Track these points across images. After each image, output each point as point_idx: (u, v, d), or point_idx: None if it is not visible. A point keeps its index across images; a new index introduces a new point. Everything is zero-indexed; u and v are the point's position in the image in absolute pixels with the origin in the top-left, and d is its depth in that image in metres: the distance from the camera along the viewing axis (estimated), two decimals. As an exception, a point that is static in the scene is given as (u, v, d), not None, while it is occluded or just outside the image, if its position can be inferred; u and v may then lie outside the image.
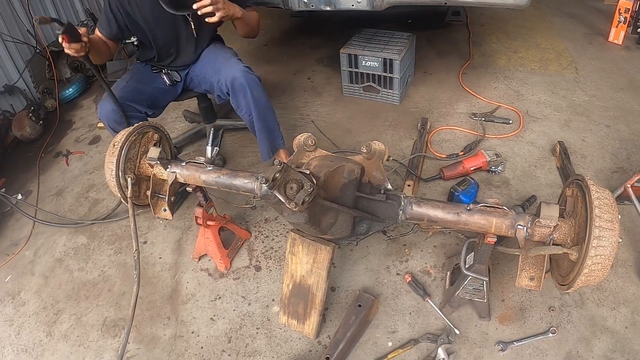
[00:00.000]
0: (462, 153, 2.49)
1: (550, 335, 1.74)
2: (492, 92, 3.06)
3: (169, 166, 1.88)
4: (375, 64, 2.84)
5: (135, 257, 1.73)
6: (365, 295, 1.82)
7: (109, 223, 2.53)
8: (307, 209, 1.30)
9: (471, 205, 1.49)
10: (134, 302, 1.69)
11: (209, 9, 2.00)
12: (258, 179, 1.64)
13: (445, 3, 2.25)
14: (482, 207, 1.48)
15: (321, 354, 1.75)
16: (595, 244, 1.31)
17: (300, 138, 1.71)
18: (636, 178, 2.08)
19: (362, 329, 1.78)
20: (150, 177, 1.93)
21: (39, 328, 2.12)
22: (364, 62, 2.87)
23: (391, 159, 1.76)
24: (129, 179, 1.84)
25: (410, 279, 1.92)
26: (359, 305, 1.78)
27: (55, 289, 2.28)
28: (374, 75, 2.91)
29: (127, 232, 2.46)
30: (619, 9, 3.40)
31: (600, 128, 2.69)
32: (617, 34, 3.48)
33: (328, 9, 2.48)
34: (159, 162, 1.86)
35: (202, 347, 1.89)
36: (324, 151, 1.73)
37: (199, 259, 2.21)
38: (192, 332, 1.94)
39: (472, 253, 1.68)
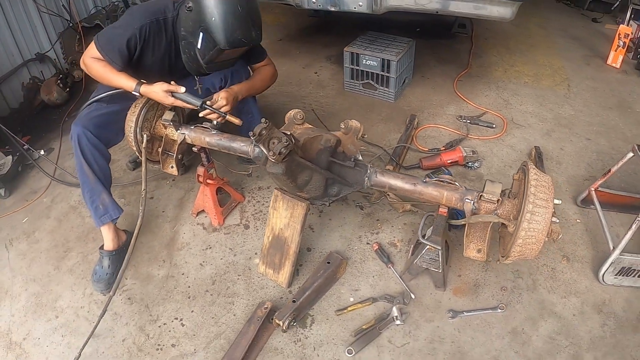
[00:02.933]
0: (443, 148, 2.73)
1: (499, 310, 1.93)
2: (482, 99, 3.30)
3: (179, 128, 2.16)
4: (375, 63, 3.10)
5: (143, 196, 2.01)
6: (335, 255, 2.08)
7: (120, 181, 2.82)
8: (284, 162, 1.57)
9: (427, 179, 1.74)
10: (135, 234, 1.97)
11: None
12: (252, 142, 1.92)
13: (437, 12, 2.50)
14: (436, 181, 1.73)
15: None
16: (529, 218, 1.52)
17: (291, 113, 1.98)
18: (599, 182, 2.25)
19: (329, 283, 2.03)
20: (162, 137, 2.21)
21: (49, 262, 2.41)
22: (364, 60, 3.13)
23: (365, 136, 2.03)
24: (144, 135, 2.13)
25: (377, 247, 2.17)
26: (328, 262, 2.04)
27: (67, 230, 2.57)
28: (373, 73, 3.17)
29: (136, 190, 2.75)
30: (619, 34, 3.60)
31: (580, 140, 2.89)
32: (616, 58, 3.67)
33: (333, 9, 2.76)
34: (171, 123, 2.14)
35: (189, 287, 2.16)
36: (310, 125, 2.00)
37: (197, 215, 2.49)
38: (183, 274, 2.22)
39: (431, 227, 1.91)
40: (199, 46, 1.93)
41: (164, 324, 2.04)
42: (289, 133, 1.58)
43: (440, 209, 1.75)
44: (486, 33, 4.28)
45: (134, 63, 2.08)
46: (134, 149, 2.19)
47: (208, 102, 2.00)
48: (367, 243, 2.25)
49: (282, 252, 2.00)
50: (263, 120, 1.54)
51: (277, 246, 2.01)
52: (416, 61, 3.44)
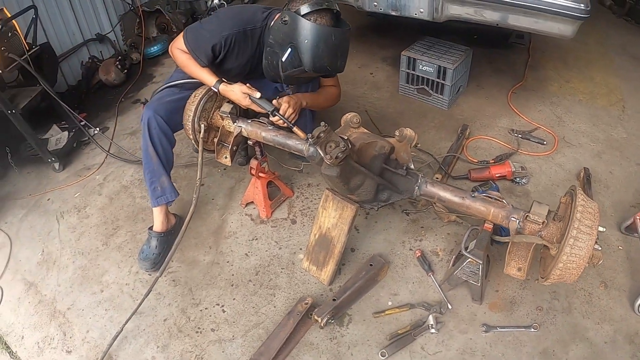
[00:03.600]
0: (493, 161, 2.70)
1: (533, 330, 1.92)
2: (535, 114, 3.23)
3: (236, 121, 2.23)
4: (431, 69, 3.09)
5: (198, 185, 2.10)
6: (378, 258, 2.11)
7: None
8: (339, 165, 1.61)
9: (475, 193, 1.74)
10: (188, 219, 2.05)
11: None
12: (308, 141, 1.96)
13: (497, 24, 2.47)
14: (484, 197, 1.73)
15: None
16: (572, 243, 1.51)
17: (348, 116, 2.02)
18: (646, 210, 2.19)
19: (370, 285, 2.06)
20: (219, 128, 2.29)
21: (97, 238, 2.54)
22: (421, 66, 3.13)
23: (419, 146, 2.05)
24: (202, 125, 2.20)
25: (419, 254, 2.18)
26: (371, 265, 2.07)
27: (118, 209, 2.70)
28: (428, 79, 3.16)
29: (187, 174, 2.85)
30: (682, 56, 3.45)
31: (630, 164, 2.79)
32: (677, 81, 3.52)
33: (394, 13, 2.76)
34: (229, 115, 2.21)
35: (232, 275, 2.24)
36: (365, 130, 2.02)
37: (246, 205, 2.57)
38: (227, 262, 2.30)
39: (475, 240, 1.91)
40: (283, 59, 1.98)
41: (206, 308, 2.12)
42: (345, 137, 1.61)
43: (485, 224, 1.76)
44: (543, 46, 4.16)
45: (217, 63, 2.20)
46: (191, 137, 2.27)
47: (281, 111, 2.07)
48: (410, 249, 2.26)
49: (327, 251, 2.05)
50: (322, 123, 1.58)
51: (322, 244, 2.06)
52: (472, 70, 3.40)
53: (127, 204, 2.73)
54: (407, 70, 3.24)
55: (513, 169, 2.53)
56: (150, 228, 2.34)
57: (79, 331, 2.12)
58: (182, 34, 2.18)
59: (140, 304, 2.06)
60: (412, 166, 1.88)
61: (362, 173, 1.73)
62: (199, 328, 2.05)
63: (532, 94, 3.46)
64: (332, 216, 1.99)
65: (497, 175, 2.53)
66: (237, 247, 2.37)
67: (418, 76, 3.21)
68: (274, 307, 2.08)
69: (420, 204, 2.43)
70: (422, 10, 2.64)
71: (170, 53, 2.28)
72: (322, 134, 1.56)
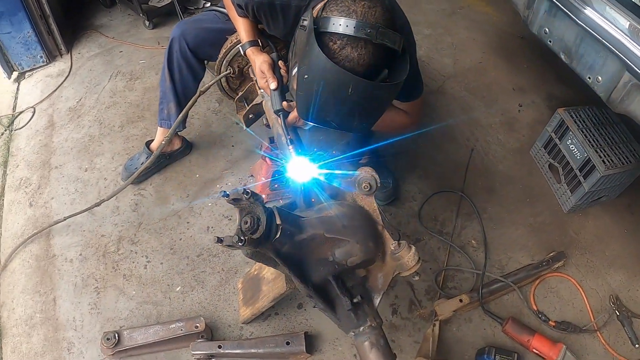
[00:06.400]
0: (552, 324, 1.89)
1: None
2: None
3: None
4: (578, 154, 2.14)
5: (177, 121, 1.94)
6: (305, 340, 1.67)
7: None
8: (253, 250, 1.15)
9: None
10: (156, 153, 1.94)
11: None
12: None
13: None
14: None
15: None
16: None
17: (362, 172, 1.38)
18: None
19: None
20: (250, 82, 1.88)
21: (120, 117, 2.48)
22: (569, 141, 2.19)
23: (416, 278, 1.34)
24: (229, 69, 1.85)
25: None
26: (287, 343, 1.66)
27: (156, 99, 2.38)
28: (566, 162, 2.23)
29: (223, 107, 2.55)
30: None
31: None
32: None
33: (563, 58, 1.84)
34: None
35: (180, 239, 2.03)
36: (374, 202, 1.41)
37: (250, 176, 2.24)
38: (187, 223, 2.09)
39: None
40: (292, 73, 1.42)
41: (135, 252, 1.99)
42: (278, 222, 1.11)
43: None
44: None
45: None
46: (213, 73, 1.95)
47: (289, 118, 1.55)
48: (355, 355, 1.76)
49: (254, 296, 1.68)
50: (244, 190, 1.07)
51: (254, 287, 1.69)
52: (635, 184, 2.27)
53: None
54: (552, 134, 2.31)
55: (558, 359, 1.73)
56: (148, 142, 2.17)
57: (48, 193, 2.17)
58: None
59: (94, 206, 2.01)
60: (378, 300, 1.31)
61: (283, 271, 1.24)
62: (116, 265, 1.94)
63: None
64: (271, 273, 1.57)
65: (534, 350, 1.78)
66: (207, 214, 2.10)
67: (558, 150, 2.28)
68: (183, 301, 1.85)
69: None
70: (599, 79, 1.70)
71: None
72: (244, 199, 1.08)
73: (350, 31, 1.11)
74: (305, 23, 1.20)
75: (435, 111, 2.62)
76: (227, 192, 1.09)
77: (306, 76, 1.19)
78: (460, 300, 1.86)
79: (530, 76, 2.89)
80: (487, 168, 2.42)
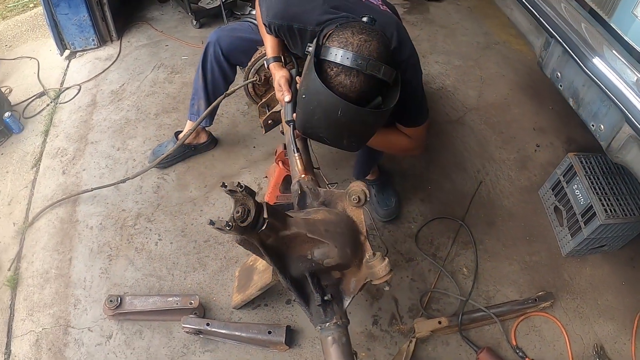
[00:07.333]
0: (529, 360, 1.93)
1: None
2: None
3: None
4: (582, 200, 2.18)
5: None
6: (285, 332, 1.80)
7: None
8: (240, 236, 1.29)
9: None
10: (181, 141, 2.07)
11: None
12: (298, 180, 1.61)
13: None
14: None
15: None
16: None
17: (353, 187, 1.51)
18: None
19: (257, 344, 1.82)
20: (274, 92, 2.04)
21: (157, 106, 2.71)
22: (574, 186, 2.22)
23: (387, 289, 1.45)
24: (256, 76, 2.02)
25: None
26: (269, 332, 1.79)
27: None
28: (570, 205, 2.27)
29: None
30: None
31: None
32: None
33: (571, 103, 1.90)
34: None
35: (192, 224, 2.21)
36: (362, 214, 1.53)
37: (265, 177, 2.38)
38: (201, 211, 2.26)
39: None
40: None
41: (150, 230, 2.17)
42: (265, 216, 1.25)
43: None
44: None
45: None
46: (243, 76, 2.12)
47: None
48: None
49: (246, 283, 1.83)
50: (239, 184, 1.22)
51: (247, 276, 1.83)
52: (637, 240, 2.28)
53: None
54: (561, 177, 2.35)
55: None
56: (177, 132, 2.36)
57: (81, 165, 2.40)
58: None
59: (119, 182, 2.22)
60: (348, 303, 1.42)
61: (267, 260, 1.37)
62: (131, 238, 2.14)
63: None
64: (263, 265, 1.72)
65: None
66: (220, 206, 2.27)
67: (565, 193, 2.31)
68: (184, 279, 2.02)
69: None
70: (601, 127, 1.75)
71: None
72: (238, 192, 1.22)
73: (344, 61, 1.26)
74: (310, 49, 1.37)
75: (450, 140, 2.70)
76: (226, 184, 1.24)
77: (304, 96, 1.35)
78: (439, 322, 1.93)
79: (553, 118, 2.92)
80: (492, 201, 2.47)
